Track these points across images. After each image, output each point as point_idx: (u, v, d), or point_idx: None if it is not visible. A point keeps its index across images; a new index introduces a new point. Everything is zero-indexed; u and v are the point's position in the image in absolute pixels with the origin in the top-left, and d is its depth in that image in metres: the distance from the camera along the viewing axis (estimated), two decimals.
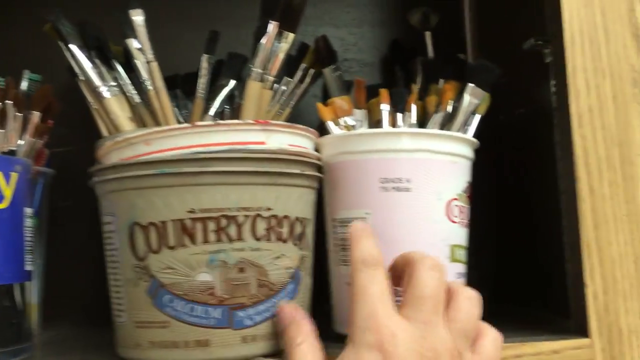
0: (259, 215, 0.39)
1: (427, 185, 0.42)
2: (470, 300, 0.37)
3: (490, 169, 0.61)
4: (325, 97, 0.62)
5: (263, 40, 0.52)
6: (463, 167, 0.44)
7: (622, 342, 0.42)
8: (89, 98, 0.53)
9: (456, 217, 0.43)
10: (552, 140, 0.47)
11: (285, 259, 0.40)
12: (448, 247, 0.43)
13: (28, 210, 0.44)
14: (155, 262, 0.38)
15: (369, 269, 0.37)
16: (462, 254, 0.44)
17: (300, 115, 0.60)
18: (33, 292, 0.52)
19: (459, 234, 0.44)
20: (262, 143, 0.40)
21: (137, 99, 0.54)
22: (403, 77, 0.63)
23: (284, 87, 0.59)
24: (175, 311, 0.38)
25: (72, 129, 0.57)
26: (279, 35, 0.53)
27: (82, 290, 0.57)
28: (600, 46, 0.44)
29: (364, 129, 0.47)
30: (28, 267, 0.43)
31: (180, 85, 0.62)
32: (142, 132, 0.40)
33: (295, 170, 0.41)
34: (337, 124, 0.48)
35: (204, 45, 0.54)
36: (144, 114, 0.54)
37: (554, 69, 0.46)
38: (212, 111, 0.57)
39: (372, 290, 0.36)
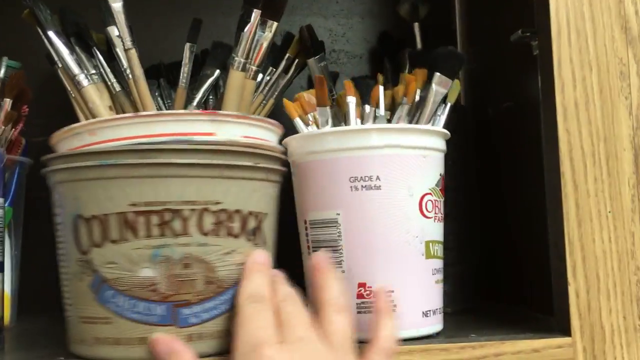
0: (206, 209, 0.37)
1: (397, 182, 0.41)
2: (338, 312, 0.37)
3: (478, 163, 0.60)
4: (311, 88, 0.61)
5: (246, 29, 0.51)
6: (434, 160, 0.43)
7: (605, 341, 0.41)
8: (68, 86, 0.52)
9: (430, 212, 0.42)
10: (539, 135, 0.46)
11: (237, 255, 0.38)
12: (423, 244, 0.42)
13: None
14: (98, 256, 0.37)
15: (255, 303, 0.37)
16: (438, 250, 0.43)
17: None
18: (7, 284, 0.51)
19: (434, 229, 0.43)
20: (211, 134, 0.38)
21: (117, 87, 0.53)
22: (391, 69, 0.62)
23: (268, 78, 0.58)
24: (117, 307, 0.37)
25: (53, 118, 0.56)
26: (263, 24, 0.52)
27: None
28: (588, 38, 0.43)
29: (329, 128, 0.45)
30: None
31: (164, 74, 0.61)
32: (87, 122, 0.39)
33: (248, 162, 0.39)
34: (304, 120, 0.46)
35: (187, 34, 0.53)
36: (125, 103, 0.53)
37: (540, 61, 0.45)
38: (195, 101, 0.56)
39: (255, 322, 0.36)
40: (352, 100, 0.46)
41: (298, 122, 0.45)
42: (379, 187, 0.40)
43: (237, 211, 0.39)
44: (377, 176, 0.40)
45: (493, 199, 0.59)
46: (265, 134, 0.42)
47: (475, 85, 0.64)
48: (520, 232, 0.55)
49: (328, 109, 0.45)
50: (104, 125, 0.38)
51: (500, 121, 0.58)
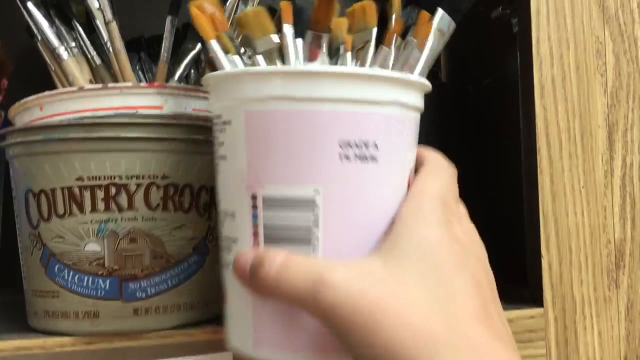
0: (153, 183, 0.37)
1: (394, 152, 0.31)
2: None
3: (456, 139, 0.61)
4: None
5: (228, 2, 0.51)
6: (418, 125, 0.34)
7: (575, 312, 0.43)
8: (48, 60, 0.51)
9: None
10: (517, 112, 0.47)
11: (187, 230, 0.38)
12: None
13: None
14: (46, 230, 0.38)
15: (445, 210, 0.30)
16: None
17: None
18: None
19: None
20: (159, 107, 0.38)
21: (98, 61, 0.52)
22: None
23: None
24: (64, 281, 0.37)
25: (34, 92, 0.56)
26: None
27: None
28: (566, 16, 0.43)
29: (320, 65, 0.32)
30: None
31: (145, 48, 0.60)
32: (35, 96, 0.39)
33: (198, 136, 0.39)
34: (226, 46, 0.33)
35: (168, 7, 0.53)
36: (106, 77, 0.52)
37: (519, 38, 0.46)
38: (177, 75, 0.55)
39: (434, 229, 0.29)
40: (288, 31, 0.33)
41: (215, 46, 0.32)
42: (374, 159, 0.30)
43: (187, 185, 0.38)
44: (375, 143, 0.30)
45: (469, 173, 0.60)
46: None
47: (456, 62, 0.65)
48: (495, 207, 0.56)
49: (273, 36, 0.33)
50: (51, 100, 0.38)
51: (480, 98, 0.59)
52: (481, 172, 0.59)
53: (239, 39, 0.34)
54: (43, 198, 0.37)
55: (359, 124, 0.30)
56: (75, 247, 0.37)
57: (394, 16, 0.35)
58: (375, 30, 0.34)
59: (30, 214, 0.38)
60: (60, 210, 0.37)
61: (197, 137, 0.39)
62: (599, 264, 0.43)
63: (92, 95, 0.38)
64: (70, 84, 0.50)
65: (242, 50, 0.34)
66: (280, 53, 0.33)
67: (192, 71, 0.58)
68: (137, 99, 0.38)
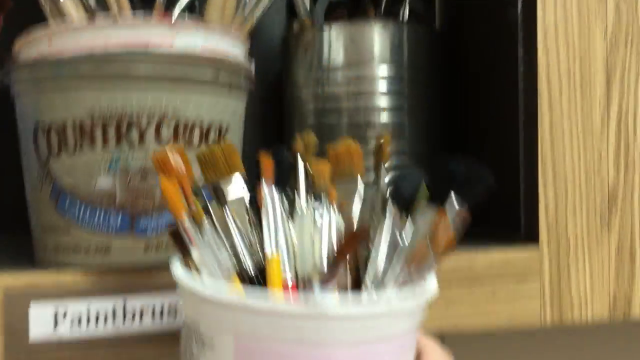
0: (163, 119, 0.37)
1: None
2: None
3: (453, 86, 0.61)
4: (291, 11, 0.60)
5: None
6: None
7: (569, 252, 0.44)
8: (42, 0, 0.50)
9: None
10: (516, 57, 0.47)
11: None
12: None
13: None
14: (56, 165, 0.37)
15: None
16: None
17: (262, 29, 0.59)
18: None
19: None
20: (169, 43, 0.38)
21: (92, 3, 0.51)
22: None
23: None
24: (75, 216, 0.37)
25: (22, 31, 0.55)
26: None
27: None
28: None
29: (334, 306, 0.25)
30: None
31: None
32: (44, 30, 0.38)
33: (208, 74, 0.39)
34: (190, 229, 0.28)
35: None
36: None
37: None
38: (172, 20, 0.55)
39: None
40: (267, 193, 0.29)
41: (188, 225, 0.28)
42: None
43: (197, 122, 0.39)
44: None
45: (468, 119, 0.61)
46: (228, 45, 0.41)
47: (452, 10, 0.65)
48: (492, 153, 0.57)
49: (242, 189, 0.28)
50: (60, 32, 0.38)
51: (477, 45, 0.59)
52: (478, 120, 0.60)
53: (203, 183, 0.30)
54: (53, 133, 0.37)
55: None
56: (87, 183, 0.37)
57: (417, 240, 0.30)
58: (361, 180, 0.30)
59: (39, 149, 0.38)
60: (71, 146, 0.37)
61: (206, 76, 0.39)
62: (593, 207, 0.45)
63: (102, 28, 0.37)
64: None
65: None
66: (253, 205, 0.29)
67: (187, 15, 0.57)
68: (147, 32, 0.37)
